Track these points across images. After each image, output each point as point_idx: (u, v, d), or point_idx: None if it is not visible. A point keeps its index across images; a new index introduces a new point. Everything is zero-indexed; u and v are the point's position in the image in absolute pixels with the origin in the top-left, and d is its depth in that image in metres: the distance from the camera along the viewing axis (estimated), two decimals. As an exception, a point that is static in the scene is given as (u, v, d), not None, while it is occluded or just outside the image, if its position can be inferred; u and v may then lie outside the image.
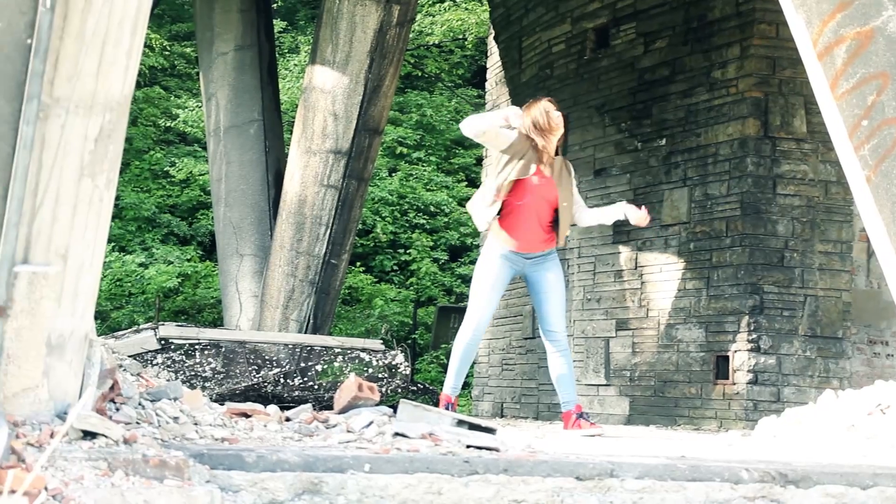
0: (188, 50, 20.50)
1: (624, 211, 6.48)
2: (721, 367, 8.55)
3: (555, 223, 6.32)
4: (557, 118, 6.21)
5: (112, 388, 3.45)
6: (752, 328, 8.37)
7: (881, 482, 3.80)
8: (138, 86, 19.22)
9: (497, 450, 3.79)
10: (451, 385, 6.34)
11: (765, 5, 8.45)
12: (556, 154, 6.34)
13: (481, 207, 6.32)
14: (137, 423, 3.42)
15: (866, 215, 5.08)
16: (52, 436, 2.87)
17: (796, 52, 5.40)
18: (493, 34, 12.26)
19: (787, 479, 3.68)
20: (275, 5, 20.86)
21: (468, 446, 3.75)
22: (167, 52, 20.54)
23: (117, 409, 3.42)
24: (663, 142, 9.27)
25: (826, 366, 8.43)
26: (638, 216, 6.45)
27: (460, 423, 4.18)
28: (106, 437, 3.01)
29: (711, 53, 8.89)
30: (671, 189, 9.14)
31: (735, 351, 8.44)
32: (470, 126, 6.12)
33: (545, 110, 6.19)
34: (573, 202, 6.39)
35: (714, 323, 8.64)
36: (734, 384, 8.40)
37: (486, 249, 6.42)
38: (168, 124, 19.52)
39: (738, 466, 3.71)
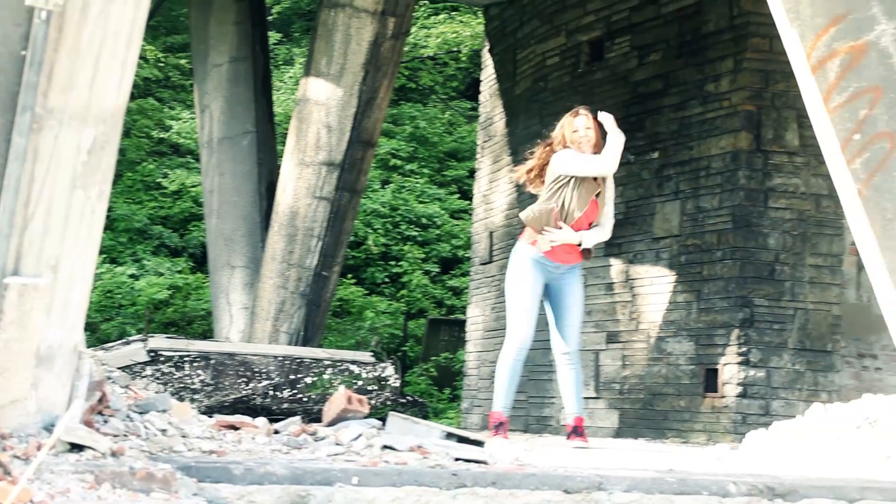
0: (183, 61, 20.50)
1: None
2: (710, 381, 8.56)
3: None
4: (576, 139, 6.28)
5: (100, 400, 3.45)
6: (741, 341, 8.38)
7: (868, 496, 3.81)
8: (132, 97, 19.20)
9: (485, 463, 3.79)
10: (501, 404, 6.33)
11: (759, 19, 8.48)
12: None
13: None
14: (125, 435, 3.42)
15: (857, 229, 5.10)
16: (38, 448, 2.87)
17: (789, 66, 5.43)
18: (487, 46, 12.29)
19: (775, 493, 3.69)
20: (270, 17, 20.88)
21: (456, 459, 3.76)
22: (161, 64, 20.54)
23: (105, 422, 3.42)
24: (656, 155, 9.29)
25: (815, 379, 8.44)
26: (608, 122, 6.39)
27: (449, 435, 4.19)
28: (93, 449, 3.01)
29: (705, 67, 8.91)
30: (663, 202, 9.15)
31: (724, 364, 8.45)
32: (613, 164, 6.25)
33: (567, 128, 6.36)
34: (603, 207, 6.44)
35: (704, 336, 8.64)
36: (723, 397, 8.41)
37: (517, 254, 6.41)
38: (161, 136, 19.51)
39: (725, 480, 3.72)
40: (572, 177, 6.25)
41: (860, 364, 8.62)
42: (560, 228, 6.24)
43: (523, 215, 6.35)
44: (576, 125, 6.35)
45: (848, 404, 5.75)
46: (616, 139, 6.26)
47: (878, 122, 4.91)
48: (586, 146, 6.32)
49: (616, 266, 9.54)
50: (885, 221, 4.88)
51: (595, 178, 6.32)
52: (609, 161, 6.23)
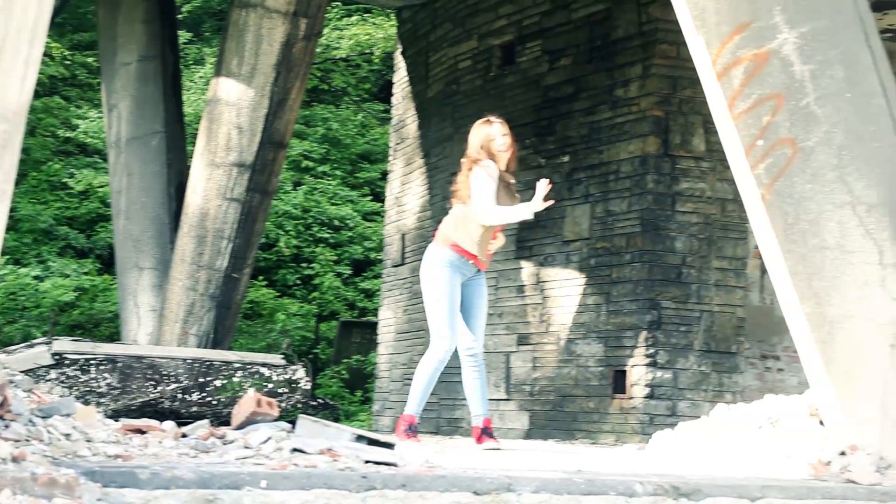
0: (90, 60, 20.13)
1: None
2: (619, 382, 8.67)
3: None
4: (497, 147, 6.26)
5: (1, 404, 3.38)
6: (649, 343, 8.51)
7: (770, 494, 3.90)
8: (37, 95, 18.84)
9: (395, 465, 3.80)
10: (415, 408, 6.31)
11: (667, 26, 8.62)
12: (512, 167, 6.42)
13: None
14: (27, 440, 3.35)
15: (760, 233, 5.21)
16: (-64, 453, 2.80)
17: (696, 73, 5.52)
18: (400, 49, 12.30)
19: (680, 492, 3.75)
20: (180, 16, 20.61)
21: (367, 462, 3.75)
22: (68, 62, 20.15)
23: (6, 426, 3.35)
24: (566, 158, 9.39)
25: (720, 380, 8.60)
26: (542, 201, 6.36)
27: (359, 438, 4.18)
28: (-7, 454, 2.94)
29: (614, 72, 9.03)
30: (573, 205, 9.25)
31: (633, 365, 8.57)
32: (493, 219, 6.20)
33: (487, 137, 6.27)
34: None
35: (613, 338, 8.75)
36: (631, 398, 8.52)
37: (437, 259, 6.33)
38: (67, 135, 19.14)
39: (632, 480, 3.77)
40: (500, 188, 6.27)
41: (763, 365, 8.81)
42: (496, 239, 6.36)
43: (468, 245, 6.30)
44: (493, 133, 6.35)
45: (751, 405, 5.87)
46: (519, 213, 6.23)
47: (781, 128, 5.02)
48: (507, 152, 6.34)
49: (527, 268, 9.61)
50: (787, 225, 5.00)
51: (508, 186, 6.35)
52: (490, 220, 6.22)
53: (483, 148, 6.29)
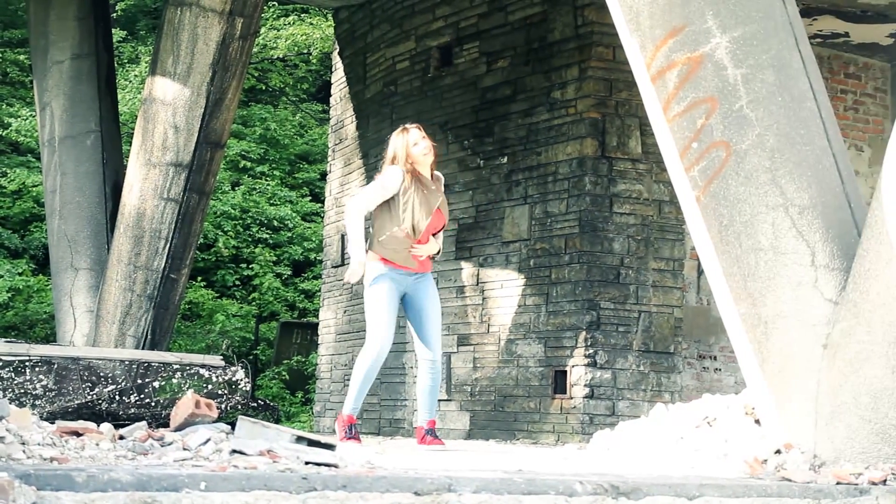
0: (22, 57, 19.84)
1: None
2: (559, 382, 8.73)
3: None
4: (419, 151, 6.32)
5: (-66, 407, 3.32)
6: (588, 343, 8.57)
7: (707, 493, 3.95)
8: (-32, 93, 18.53)
9: (336, 466, 3.80)
10: (352, 406, 6.36)
11: (602, 29, 8.70)
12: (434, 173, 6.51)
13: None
14: (-39, 443, 3.30)
15: (696, 234, 5.27)
16: None
17: (632, 75, 5.57)
18: (337, 50, 12.27)
19: (619, 491, 3.79)
20: (114, 14, 20.37)
21: (307, 463, 3.75)
22: (-1, 59, 19.85)
23: (-61, 430, 3.30)
24: (505, 160, 9.43)
25: (658, 380, 8.70)
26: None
27: (299, 439, 4.17)
28: (-74, 459, 2.89)
29: (551, 74, 9.09)
30: (512, 206, 9.30)
31: (573, 366, 8.63)
32: (354, 213, 6.30)
33: (407, 145, 6.31)
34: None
35: (553, 338, 8.81)
36: (571, 398, 8.59)
37: (371, 272, 6.40)
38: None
39: (572, 479, 3.80)
40: (411, 194, 6.32)
41: (700, 365, 8.92)
42: (425, 243, 6.38)
43: (384, 252, 6.38)
44: (412, 139, 6.39)
45: (689, 404, 5.94)
46: (352, 247, 6.32)
47: (715, 131, 5.08)
48: (430, 154, 6.41)
49: (467, 269, 9.64)
50: (722, 227, 5.06)
51: (427, 191, 6.40)
52: (346, 213, 6.40)
53: (407, 157, 6.35)
